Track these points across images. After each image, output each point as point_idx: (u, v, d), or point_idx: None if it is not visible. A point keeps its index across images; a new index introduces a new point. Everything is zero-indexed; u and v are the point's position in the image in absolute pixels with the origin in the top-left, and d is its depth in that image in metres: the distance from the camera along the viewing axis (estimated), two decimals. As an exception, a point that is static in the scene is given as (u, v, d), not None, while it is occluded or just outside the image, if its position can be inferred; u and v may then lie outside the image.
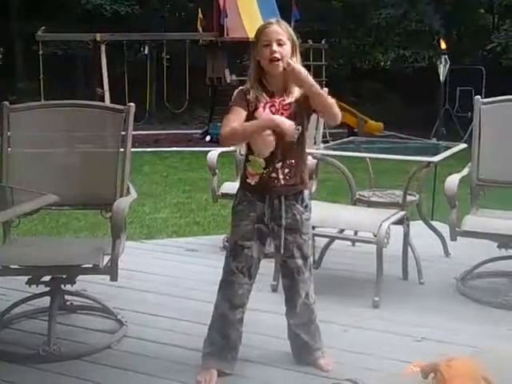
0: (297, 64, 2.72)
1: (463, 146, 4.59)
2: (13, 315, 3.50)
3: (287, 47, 2.76)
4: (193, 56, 14.85)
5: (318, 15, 17.09)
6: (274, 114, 2.79)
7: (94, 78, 13.83)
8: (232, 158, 5.12)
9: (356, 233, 4.37)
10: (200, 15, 14.53)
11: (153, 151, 11.90)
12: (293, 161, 2.83)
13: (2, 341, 3.28)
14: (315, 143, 4.32)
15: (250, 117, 2.81)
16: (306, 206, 2.91)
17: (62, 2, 16.60)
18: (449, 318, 3.59)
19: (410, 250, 4.19)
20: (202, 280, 4.05)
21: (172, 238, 5.67)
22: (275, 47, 2.73)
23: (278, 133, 2.74)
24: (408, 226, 4.09)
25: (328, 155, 4.60)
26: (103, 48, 13.30)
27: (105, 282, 3.27)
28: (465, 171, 4.14)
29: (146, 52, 18.05)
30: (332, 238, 4.36)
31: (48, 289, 3.29)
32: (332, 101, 2.75)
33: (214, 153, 4.94)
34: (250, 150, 2.86)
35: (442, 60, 8.27)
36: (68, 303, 3.58)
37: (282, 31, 2.77)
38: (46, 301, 3.32)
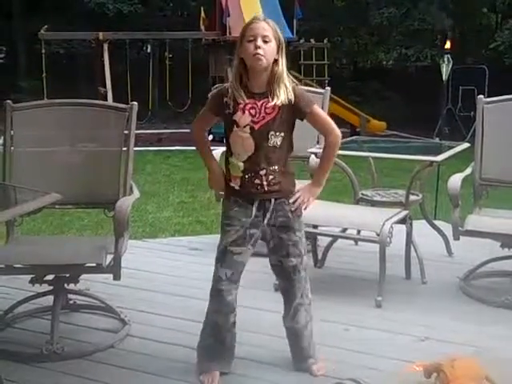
0: (310, 199, 2.85)
1: (466, 145, 4.57)
2: (16, 314, 3.50)
3: (272, 45, 2.68)
4: (195, 55, 14.84)
5: (320, 14, 17.09)
6: (254, 116, 2.71)
7: (96, 76, 13.83)
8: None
9: (359, 232, 4.37)
10: (202, 14, 14.52)
11: (156, 150, 11.87)
12: (276, 167, 2.77)
13: (5, 340, 3.28)
14: (318, 142, 4.31)
15: (229, 120, 2.74)
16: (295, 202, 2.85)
17: (65, 0, 16.61)
18: (452, 318, 3.59)
19: (412, 249, 4.19)
20: (205, 279, 3.97)
21: (175, 236, 5.67)
22: (260, 42, 2.65)
23: (257, 136, 2.71)
24: (411, 225, 4.08)
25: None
26: (106, 47, 13.29)
27: (108, 280, 3.27)
28: (468, 170, 4.14)
29: (149, 51, 18.00)
30: (335, 237, 4.37)
31: (51, 288, 3.30)
32: (334, 153, 2.92)
33: (216, 152, 4.92)
34: (229, 152, 2.81)
35: (445, 59, 8.25)
36: (71, 302, 3.58)
37: (269, 28, 2.68)
38: (49, 300, 3.32)
